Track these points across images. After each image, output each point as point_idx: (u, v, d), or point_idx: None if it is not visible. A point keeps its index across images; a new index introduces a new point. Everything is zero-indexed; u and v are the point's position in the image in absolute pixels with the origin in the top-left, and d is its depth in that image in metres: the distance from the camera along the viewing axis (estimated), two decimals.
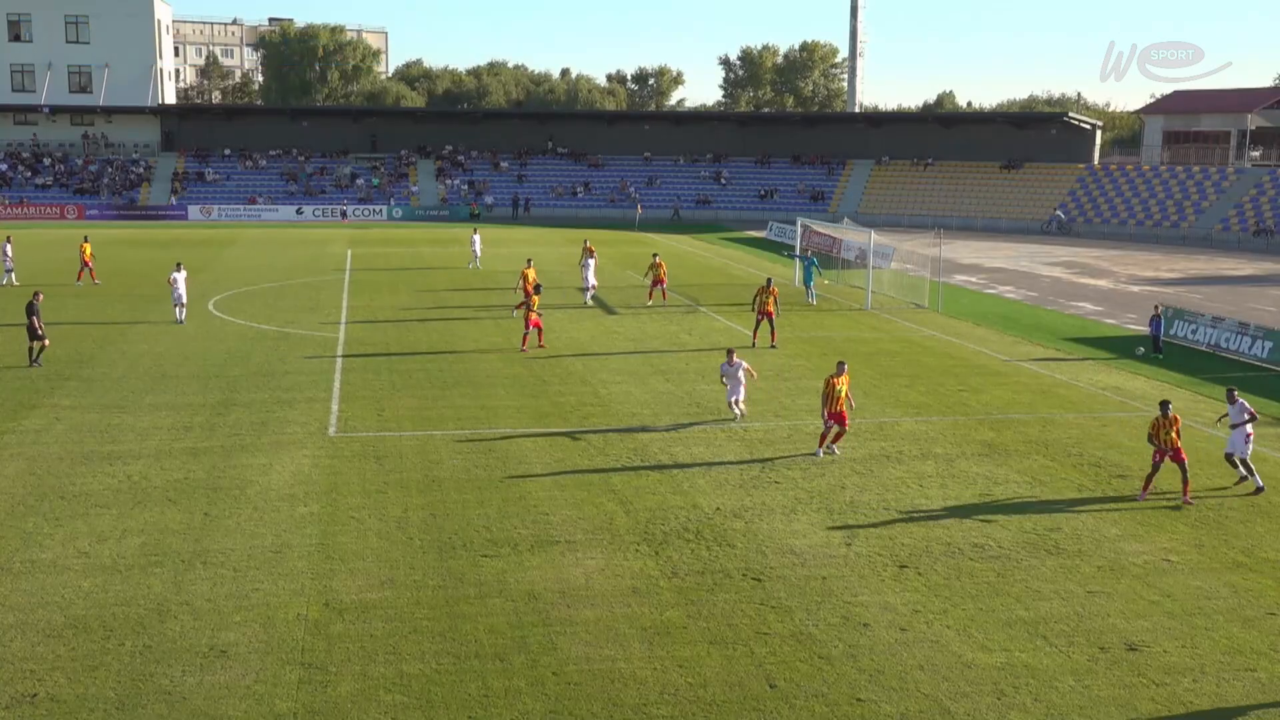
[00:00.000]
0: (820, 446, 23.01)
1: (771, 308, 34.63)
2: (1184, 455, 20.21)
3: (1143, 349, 34.72)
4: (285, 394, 27.52)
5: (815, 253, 50.21)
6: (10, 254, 46.99)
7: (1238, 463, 21.17)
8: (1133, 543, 18.23)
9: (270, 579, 16.16)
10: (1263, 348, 33.87)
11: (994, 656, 14.19)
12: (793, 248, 51.00)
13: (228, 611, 15.07)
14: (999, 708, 12.95)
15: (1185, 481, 20.24)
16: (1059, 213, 61.39)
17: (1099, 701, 13.12)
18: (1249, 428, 20.99)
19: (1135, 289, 52.32)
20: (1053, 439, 24.52)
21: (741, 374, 25.32)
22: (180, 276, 37.65)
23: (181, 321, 37.21)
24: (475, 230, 57.73)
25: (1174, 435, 20.11)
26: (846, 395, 22.86)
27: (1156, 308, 36.51)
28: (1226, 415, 21.47)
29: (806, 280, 45.43)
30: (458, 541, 17.73)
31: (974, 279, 54.73)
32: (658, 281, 43.31)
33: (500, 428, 24.70)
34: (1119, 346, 36.25)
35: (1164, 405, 20.40)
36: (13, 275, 46.53)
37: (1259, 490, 20.84)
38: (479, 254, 54.76)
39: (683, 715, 12.73)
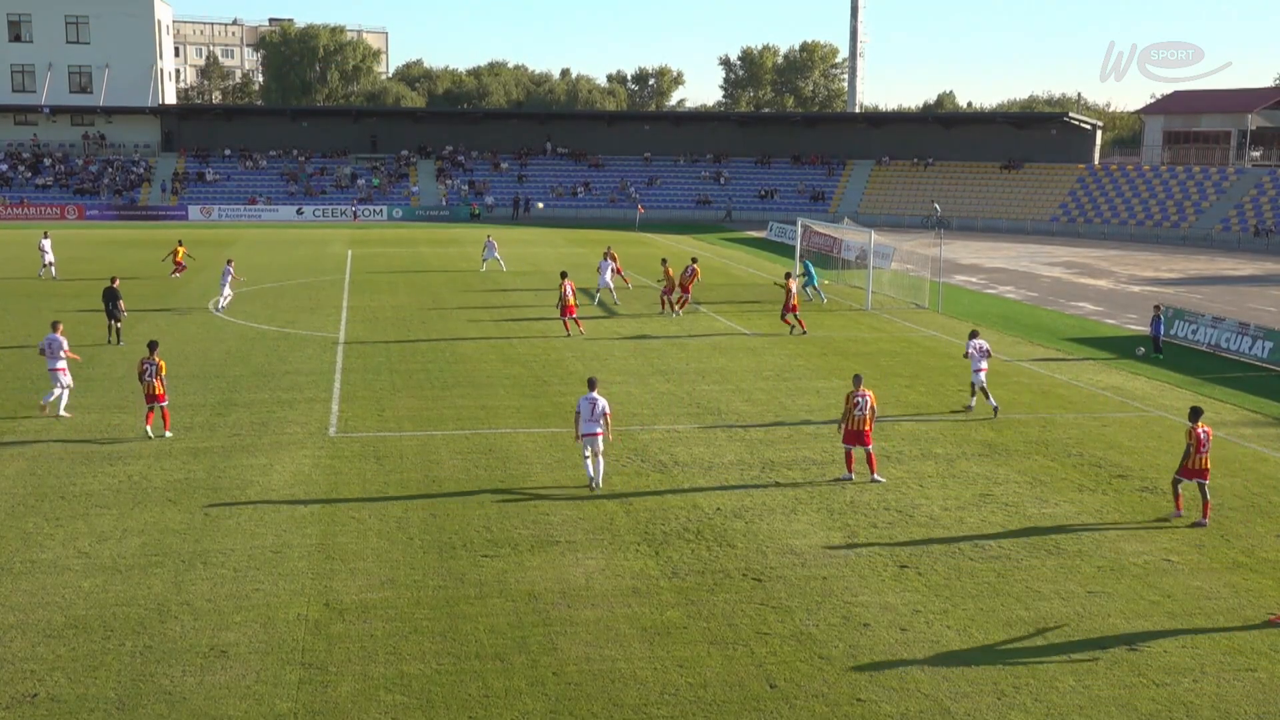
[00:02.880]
0: (863, 472, 21.14)
1: (797, 302, 37.11)
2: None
3: (1143, 349, 34.72)
4: (285, 394, 27.53)
5: (812, 254, 50.08)
6: (49, 248, 49.07)
7: (981, 390, 26.61)
8: (1133, 543, 18.22)
9: (270, 579, 16.16)
10: (1263, 348, 33.86)
11: (994, 656, 14.19)
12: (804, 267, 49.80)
13: (228, 611, 15.06)
14: (999, 708, 12.95)
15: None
16: (936, 205, 61.02)
17: (1099, 701, 13.12)
18: (983, 363, 26.52)
19: (1135, 289, 52.32)
20: (1053, 439, 24.51)
21: (602, 421, 20.01)
22: (230, 269, 41.65)
23: (217, 310, 40.35)
24: (489, 235, 57.73)
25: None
26: (870, 411, 20.81)
27: (1157, 308, 36.51)
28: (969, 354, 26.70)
29: (810, 282, 45.09)
30: (458, 541, 17.73)
31: (974, 279, 54.73)
32: (684, 288, 41.09)
33: (500, 428, 24.70)
34: (1119, 346, 36.25)
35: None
36: (53, 268, 48.70)
37: (971, 408, 26.68)
38: (498, 256, 54.24)
39: (683, 715, 12.73)
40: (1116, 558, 17.53)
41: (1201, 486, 19.10)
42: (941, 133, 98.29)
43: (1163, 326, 35.75)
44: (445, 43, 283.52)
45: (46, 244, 49.32)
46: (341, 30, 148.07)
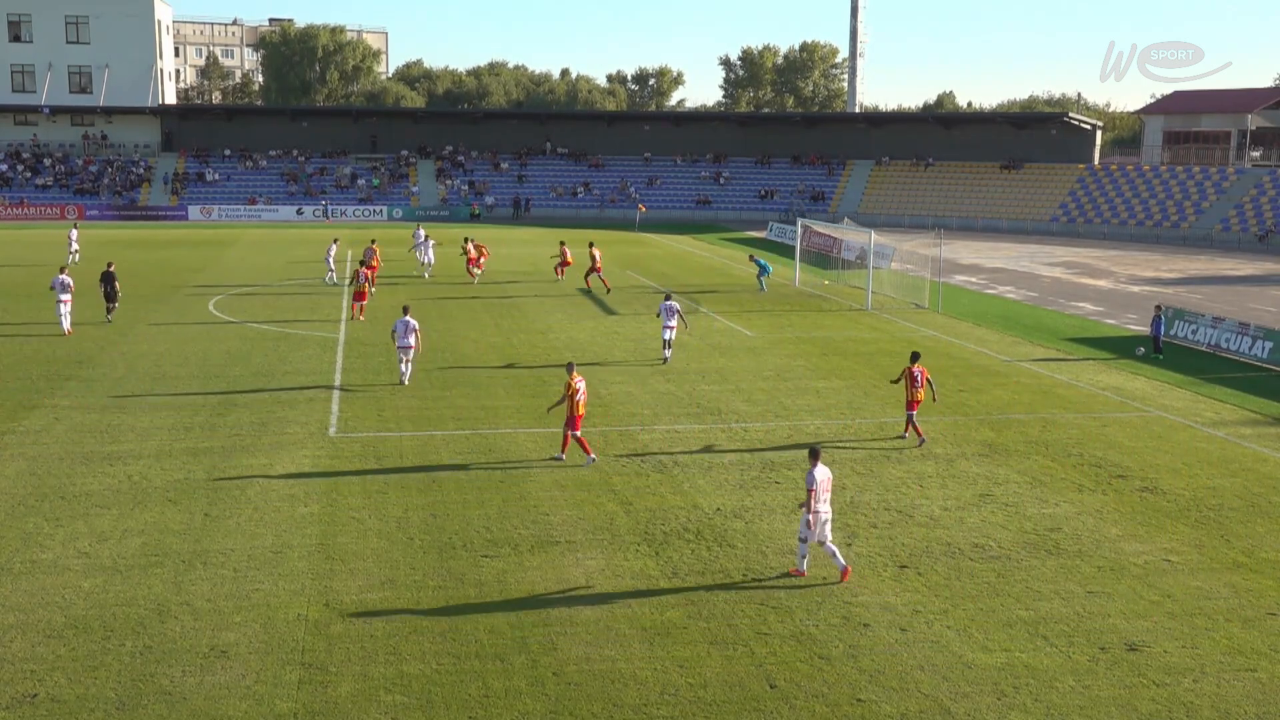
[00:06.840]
0: (562, 452, 22.05)
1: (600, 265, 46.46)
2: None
3: (1143, 349, 34.72)
4: (285, 394, 27.52)
5: (812, 254, 50.91)
6: (75, 239, 56.86)
7: (665, 343, 31.61)
8: (1133, 543, 18.22)
9: (270, 579, 16.15)
10: (1263, 348, 33.86)
11: (994, 657, 14.19)
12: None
13: (228, 611, 15.06)
14: (999, 708, 12.95)
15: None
16: (795, 202, 61.37)
17: (1099, 702, 13.12)
18: (671, 321, 31.21)
19: (1135, 289, 52.32)
20: (1053, 439, 24.51)
21: (413, 336, 27.91)
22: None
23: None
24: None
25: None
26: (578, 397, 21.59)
27: (1158, 308, 36.51)
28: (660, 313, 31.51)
29: (762, 273, 48.36)
30: (458, 541, 17.72)
31: (974, 279, 54.72)
32: (564, 265, 48.81)
33: (500, 428, 24.69)
34: (1119, 347, 36.25)
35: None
36: (76, 255, 54.97)
37: (666, 361, 31.47)
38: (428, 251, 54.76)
39: (683, 715, 12.73)
40: (1116, 558, 17.54)
41: (911, 417, 23.82)
42: (941, 133, 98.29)
43: (1163, 326, 35.74)
44: (445, 43, 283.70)
45: (74, 234, 57.30)
46: (341, 30, 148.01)
